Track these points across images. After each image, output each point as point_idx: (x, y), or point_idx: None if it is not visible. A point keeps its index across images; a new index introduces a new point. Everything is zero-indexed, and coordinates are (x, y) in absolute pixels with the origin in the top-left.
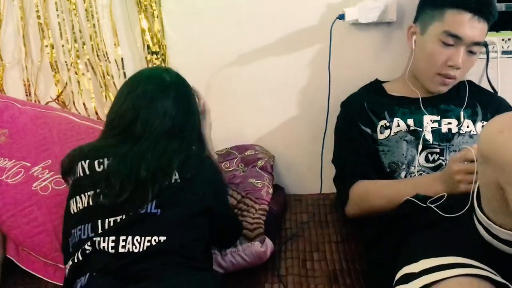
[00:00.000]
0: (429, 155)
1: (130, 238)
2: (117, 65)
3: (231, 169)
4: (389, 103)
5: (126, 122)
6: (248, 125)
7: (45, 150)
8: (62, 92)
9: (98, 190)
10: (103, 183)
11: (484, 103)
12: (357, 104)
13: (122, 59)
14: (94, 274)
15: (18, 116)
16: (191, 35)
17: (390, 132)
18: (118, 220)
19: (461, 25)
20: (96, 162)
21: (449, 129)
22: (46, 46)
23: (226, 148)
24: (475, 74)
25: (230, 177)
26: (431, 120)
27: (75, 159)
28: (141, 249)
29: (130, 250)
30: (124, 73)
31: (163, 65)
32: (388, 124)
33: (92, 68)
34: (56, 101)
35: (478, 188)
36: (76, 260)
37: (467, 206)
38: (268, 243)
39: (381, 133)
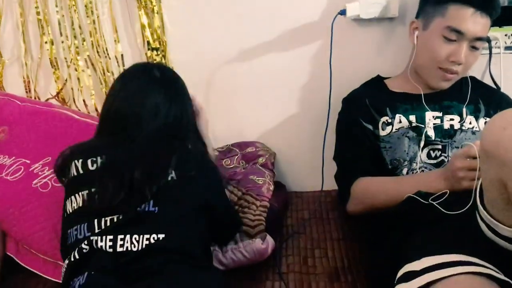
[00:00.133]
0: (431, 152)
1: (128, 237)
2: (117, 62)
3: (231, 166)
4: (391, 99)
5: (118, 120)
6: (249, 121)
7: (45, 147)
8: (62, 89)
9: (93, 190)
10: (97, 183)
11: (487, 99)
12: (359, 101)
13: (122, 55)
14: (93, 273)
15: (18, 113)
16: (191, 32)
17: (392, 129)
18: (115, 220)
19: (464, 20)
20: (89, 161)
21: (451, 126)
22: (46, 42)
23: (226, 145)
24: (478, 70)
25: (230, 173)
26: (433, 117)
27: (68, 159)
28: (139, 248)
29: (129, 249)
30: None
31: (163, 61)
32: (390, 121)
33: (92, 64)
34: (56, 98)
35: (481, 185)
36: (72, 259)
37: (470, 203)
38: (269, 240)
39: (382, 129)
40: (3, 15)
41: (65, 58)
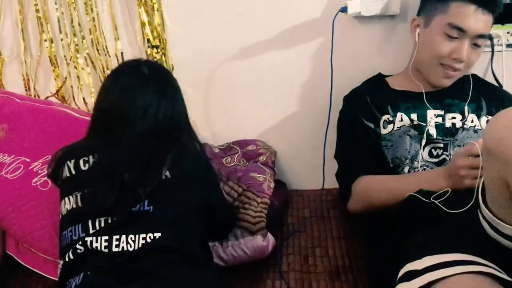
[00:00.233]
0: (433, 150)
1: (123, 237)
2: (117, 59)
3: (232, 164)
4: (392, 97)
5: (107, 119)
6: (249, 119)
7: (45, 145)
8: (61, 86)
9: (86, 191)
10: (89, 184)
11: (489, 97)
12: (360, 99)
13: (122, 53)
14: (89, 273)
15: (17, 111)
16: (191, 29)
17: (394, 127)
18: (110, 220)
19: (465, 18)
20: (81, 161)
21: (453, 124)
22: (45, 40)
23: (227, 143)
24: (480, 68)
25: (231, 170)
26: (435, 115)
27: (61, 160)
28: (136, 247)
29: (125, 249)
30: None
31: (163, 59)
32: (391, 119)
33: (92, 62)
34: (56, 96)
35: (483, 183)
36: (67, 259)
37: (472, 202)
38: (270, 237)
39: (384, 127)
40: (2, 12)
41: (65, 56)
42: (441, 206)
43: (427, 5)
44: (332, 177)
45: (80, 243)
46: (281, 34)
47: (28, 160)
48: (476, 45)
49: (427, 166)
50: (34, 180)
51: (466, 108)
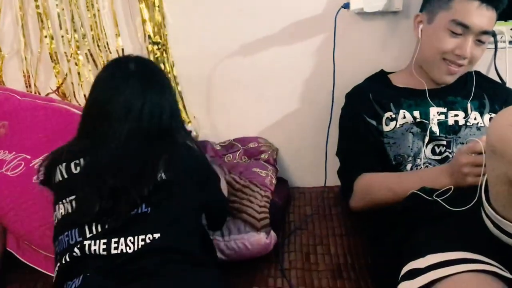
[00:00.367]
0: (436, 148)
1: (122, 239)
2: (118, 56)
3: (234, 161)
4: (395, 94)
5: (93, 118)
6: (251, 116)
7: (46, 142)
8: (62, 83)
9: (80, 195)
10: (80, 190)
11: (492, 94)
12: (363, 96)
13: (123, 49)
14: (88, 274)
15: (18, 108)
16: (192, 25)
17: (396, 124)
18: (108, 224)
19: (469, 14)
20: (72, 164)
21: (456, 121)
22: (46, 36)
23: (228, 140)
24: (483, 65)
25: (233, 165)
26: (437, 112)
27: (51, 165)
28: (135, 248)
29: (124, 251)
30: None
31: (164, 55)
32: (393, 116)
33: (93, 59)
34: (56, 92)
35: (486, 181)
36: (64, 262)
37: (475, 200)
38: (273, 235)
39: (386, 125)
40: (2, 8)
41: (65, 53)
42: (444, 204)
43: (430, 1)
44: (334, 174)
45: (78, 246)
46: (283, 30)
47: (29, 157)
48: (480, 42)
49: (430, 164)
50: (35, 178)
51: (469, 105)
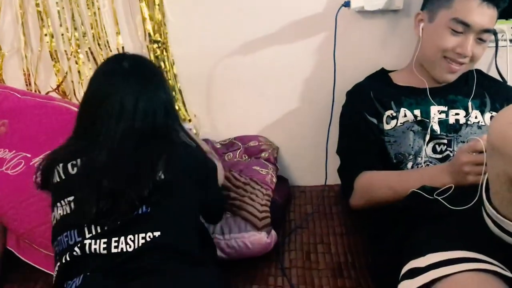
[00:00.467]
0: (437, 146)
1: (122, 238)
2: (114, 54)
3: (234, 160)
4: (396, 93)
5: (89, 119)
6: (251, 115)
7: (46, 140)
8: (62, 81)
9: (78, 196)
10: (77, 189)
11: (493, 92)
12: (363, 94)
13: (123, 47)
14: (89, 274)
15: (18, 107)
16: (193, 24)
17: (397, 123)
18: (107, 226)
19: (470, 12)
20: (69, 165)
21: (457, 120)
22: (46, 35)
23: (229, 139)
24: (484, 63)
25: (233, 163)
26: (438, 111)
27: (48, 168)
28: (136, 247)
29: (124, 249)
30: None
31: (164, 54)
32: (394, 114)
33: (93, 57)
34: (57, 91)
35: (487, 180)
36: (64, 261)
37: (476, 199)
38: (273, 234)
39: (387, 123)
40: (2, 7)
41: (65, 51)
42: (444, 203)
43: (431, 0)
44: (335, 173)
45: (78, 245)
46: (283, 29)
47: (29, 155)
48: (481, 40)
49: (431, 162)
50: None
51: (469, 104)
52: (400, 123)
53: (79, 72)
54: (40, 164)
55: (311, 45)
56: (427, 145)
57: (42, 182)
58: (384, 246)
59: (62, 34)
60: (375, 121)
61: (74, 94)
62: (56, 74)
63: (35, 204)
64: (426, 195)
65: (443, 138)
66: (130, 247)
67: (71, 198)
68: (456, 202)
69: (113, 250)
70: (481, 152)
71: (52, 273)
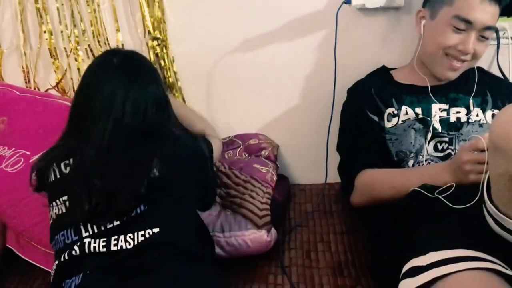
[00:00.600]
0: (438, 144)
1: (122, 237)
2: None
3: (234, 158)
4: (397, 90)
5: (79, 116)
6: (251, 113)
7: (45, 138)
8: (61, 79)
9: (71, 195)
10: (70, 189)
11: (494, 90)
12: (365, 91)
13: (122, 45)
14: (88, 272)
15: (17, 104)
16: (193, 21)
17: (398, 120)
18: (104, 225)
19: (472, 9)
20: (62, 165)
21: (458, 118)
22: (45, 32)
23: (229, 137)
24: (485, 61)
25: (233, 161)
26: (439, 109)
27: (43, 169)
28: (135, 243)
29: (123, 247)
30: None
31: (164, 51)
32: (396, 112)
33: (93, 54)
34: (56, 88)
35: (488, 178)
36: (62, 260)
37: (477, 197)
38: (273, 232)
39: (388, 121)
40: (1, 3)
41: (65, 48)
42: (445, 201)
43: None
44: (335, 171)
45: (78, 244)
46: (284, 26)
47: (28, 153)
48: (483, 37)
49: (432, 160)
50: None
51: (471, 102)
52: (402, 121)
53: (78, 69)
54: (35, 166)
55: (312, 43)
56: (428, 143)
57: (37, 184)
58: (385, 244)
59: (62, 31)
60: (376, 118)
61: (74, 91)
62: (55, 72)
63: (34, 202)
64: (427, 194)
65: (445, 136)
66: (129, 244)
67: (65, 198)
68: (457, 201)
69: (113, 248)
70: (483, 150)
71: (51, 271)
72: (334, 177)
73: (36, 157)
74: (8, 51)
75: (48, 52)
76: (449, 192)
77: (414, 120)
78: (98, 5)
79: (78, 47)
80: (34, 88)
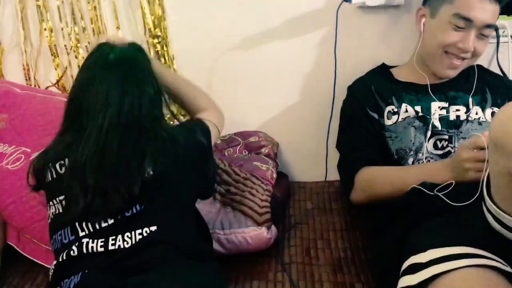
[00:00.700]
0: (438, 142)
1: (120, 236)
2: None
3: (234, 156)
4: (397, 88)
5: (73, 114)
6: (251, 110)
7: (46, 135)
8: (62, 76)
9: (67, 194)
10: (66, 189)
11: (494, 88)
12: (365, 88)
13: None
14: (87, 271)
15: (18, 101)
16: (193, 18)
17: (398, 118)
18: (100, 224)
19: (472, 7)
20: (57, 165)
21: (458, 116)
22: (45, 29)
23: (229, 134)
24: (485, 59)
25: (233, 158)
26: (439, 107)
27: (40, 170)
28: (133, 242)
29: (121, 246)
30: None
31: (164, 49)
32: (395, 110)
33: None
34: (56, 85)
35: (488, 176)
36: (61, 260)
37: (476, 195)
38: (274, 230)
39: (388, 118)
40: (2, 1)
41: (65, 46)
42: (445, 199)
43: None
44: (335, 169)
45: (76, 244)
46: (284, 24)
47: (29, 150)
48: (483, 35)
49: (432, 158)
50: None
51: (470, 100)
52: (402, 118)
53: (78, 66)
54: (31, 165)
55: (312, 41)
56: (428, 141)
57: (35, 184)
58: (385, 241)
59: (62, 29)
60: (376, 116)
61: None
62: (55, 69)
63: (35, 199)
64: (427, 191)
65: (444, 134)
66: (127, 243)
67: (61, 197)
68: (456, 198)
69: (110, 248)
70: (482, 148)
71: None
72: (334, 175)
73: (37, 153)
74: (9, 49)
75: (48, 50)
76: (449, 189)
77: (414, 118)
78: (99, 3)
79: (79, 45)
80: (35, 86)
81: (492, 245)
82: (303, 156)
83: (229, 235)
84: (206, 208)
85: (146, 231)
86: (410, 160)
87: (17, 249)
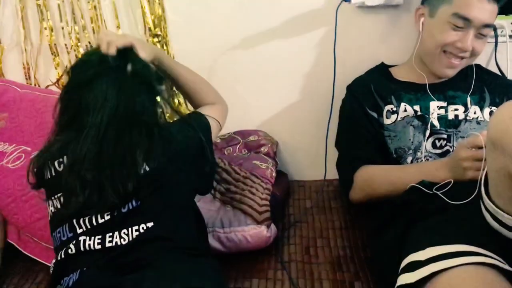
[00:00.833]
0: (437, 141)
1: (116, 233)
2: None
3: (234, 155)
4: (396, 87)
5: (70, 112)
6: (251, 110)
7: (46, 134)
8: (62, 75)
9: (66, 190)
10: (64, 186)
11: (492, 87)
12: (364, 87)
13: None
14: (85, 269)
15: (18, 100)
16: (193, 18)
17: (397, 117)
18: (97, 220)
19: (471, 7)
20: (56, 163)
21: (456, 116)
22: (46, 28)
23: (228, 133)
24: (484, 58)
25: (233, 157)
26: (437, 107)
27: (40, 169)
28: (130, 239)
29: (118, 243)
30: None
31: (164, 48)
32: (394, 109)
33: None
34: (56, 84)
35: (486, 174)
36: (59, 258)
37: (475, 193)
38: (273, 228)
39: (387, 117)
40: (2, 0)
41: (65, 45)
42: (444, 197)
43: None
44: (334, 168)
45: (73, 242)
46: (284, 23)
47: (29, 149)
48: (481, 35)
49: (430, 157)
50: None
51: (468, 99)
52: (400, 117)
53: None
54: (31, 165)
55: (311, 40)
56: (427, 140)
57: (35, 182)
58: (384, 240)
59: (62, 28)
60: (375, 115)
61: None
62: (56, 68)
63: (35, 198)
64: (426, 190)
65: (443, 133)
66: (124, 240)
67: (60, 194)
68: (455, 197)
69: (108, 245)
70: (481, 147)
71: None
72: (333, 174)
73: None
74: (9, 48)
75: (48, 49)
76: (447, 188)
77: (413, 117)
78: (99, 2)
79: (79, 44)
80: (35, 85)
81: (490, 243)
82: (303, 155)
83: (229, 233)
84: (206, 206)
85: (143, 228)
86: (409, 159)
87: (18, 247)
